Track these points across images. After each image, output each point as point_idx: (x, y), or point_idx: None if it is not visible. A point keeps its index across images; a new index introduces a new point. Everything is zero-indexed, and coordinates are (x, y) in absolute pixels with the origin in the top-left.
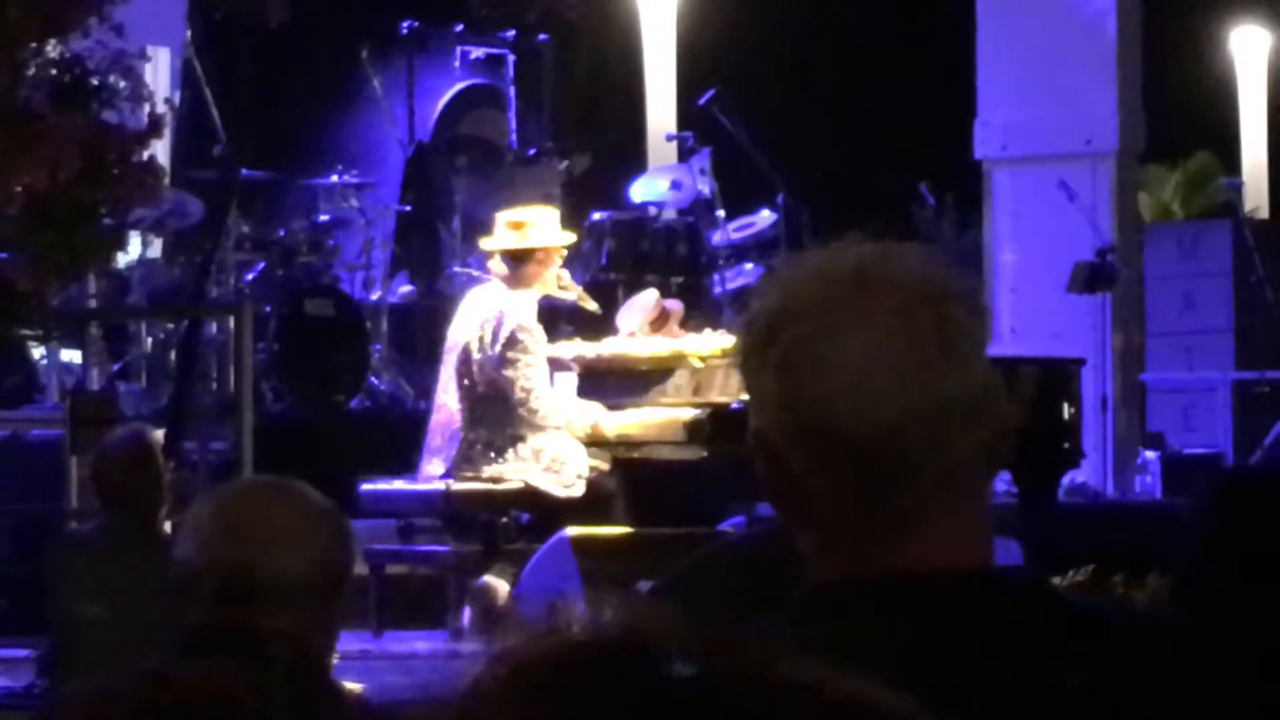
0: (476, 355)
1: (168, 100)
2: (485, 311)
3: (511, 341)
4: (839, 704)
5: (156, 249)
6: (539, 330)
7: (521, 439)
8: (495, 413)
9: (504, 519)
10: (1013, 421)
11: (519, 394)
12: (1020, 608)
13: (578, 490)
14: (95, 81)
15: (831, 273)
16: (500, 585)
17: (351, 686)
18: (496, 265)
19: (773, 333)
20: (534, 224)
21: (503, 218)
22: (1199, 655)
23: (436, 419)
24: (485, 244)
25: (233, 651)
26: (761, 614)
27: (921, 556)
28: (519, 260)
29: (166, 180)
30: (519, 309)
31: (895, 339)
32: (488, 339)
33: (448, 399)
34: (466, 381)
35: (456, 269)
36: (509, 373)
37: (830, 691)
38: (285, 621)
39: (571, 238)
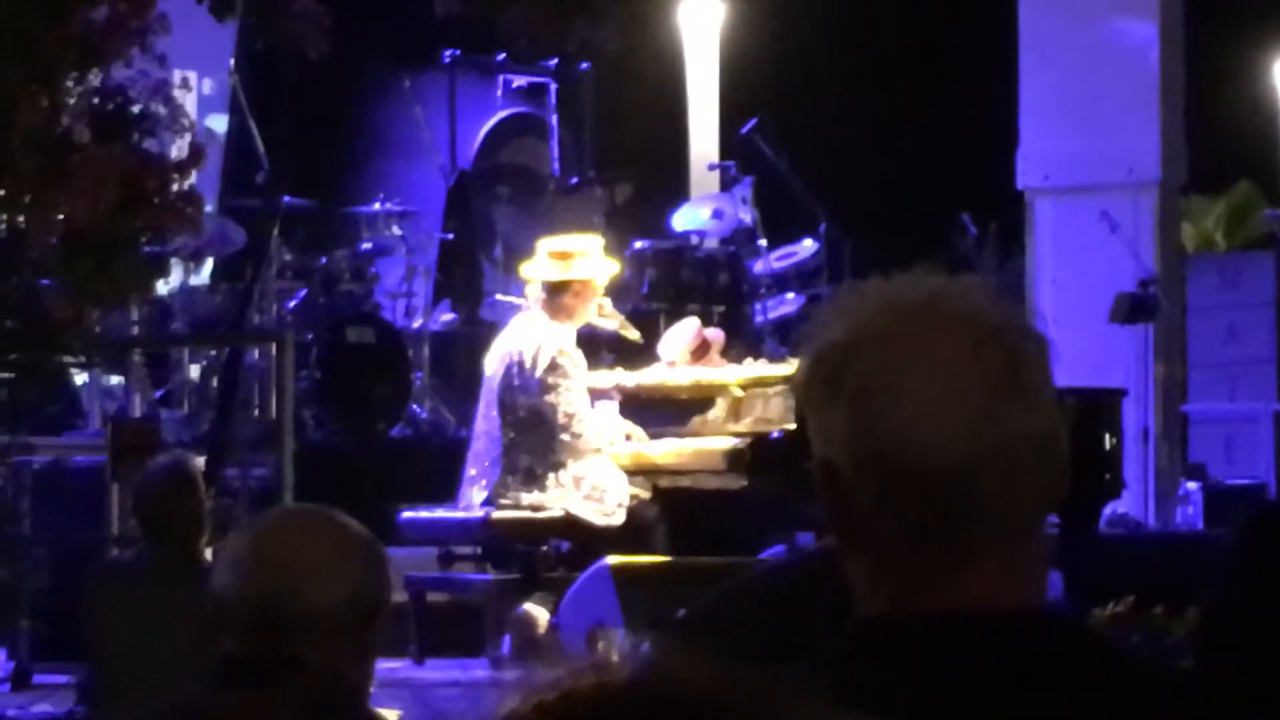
0: (517, 382)
1: (209, 130)
2: (525, 339)
3: (552, 367)
4: None
5: (200, 276)
6: (579, 356)
7: (562, 465)
8: (536, 439)
9: (544, 547)
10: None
11: (561, 419)
12: (1068, 652)
13: (618, 519)
14: (136, 111)
15: (903, 304)
16: (540, 614)
17: (388, 714)
18: (534, 292)
19: (844, 363)
20: (577, 255)
21: (545, 246)
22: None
23: (476, 447)
24: (526, 271)
25: (267, 682)
26: (807, 646)
27: (977, 596)
28: (558, 291)
29: (208, 209)
30: (559, 336)
31: (970, 373)
32: (529, 365)
33: (488, 427)
34: (507, 408)
35: (498, 297)
36: (550, 398)
37: None
38: (320, 652)
39: (613, 269)
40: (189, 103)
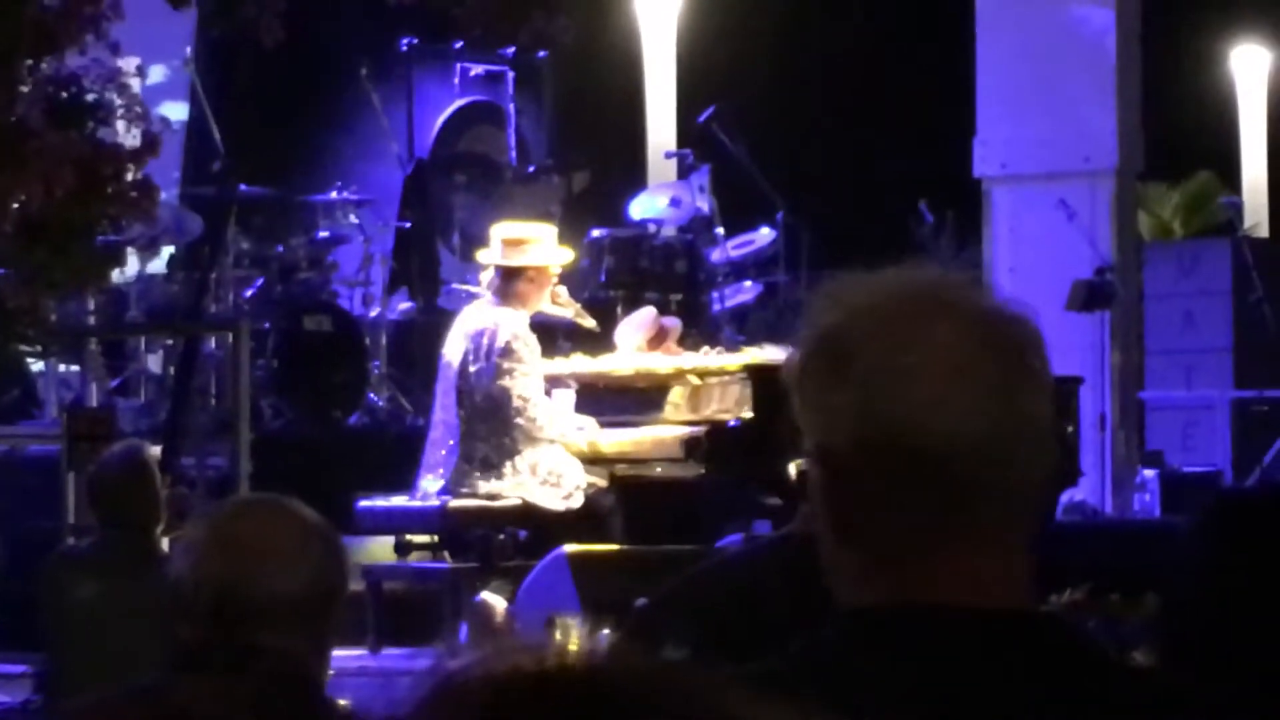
0: (472, 369)
1: (164, 119)
2: (479, 326)
3: (506, 352)
4: None
5: (157, 265)
6: (533, 341)
7: (518, 453)
8: (492, 426)
9: (501, 536)
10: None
11: (516, 402)
12: (1064, 653)
13: (576, 501)
14: (91, 99)
15: (907, 291)
16: (498, 602)
17: (344, 703)
18: (488, 277)
19: (850, 348)
20: (530, 241)
21: (498, 232)
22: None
23: (433, 435)
24: (481, 257)
25: (225, 669)
26: (766, 633)
27: (977, 588)
28: (511, 277)
29: (166, 197)
30: (513, 322)
31: (980, 356)
32: (483, 352)
33: (444, 415)
34: (464, 396)
35: (455, 286)
36: (505, 382)
37: None
38: (278, 639)
39: (567, 257)
40: (156, 90)
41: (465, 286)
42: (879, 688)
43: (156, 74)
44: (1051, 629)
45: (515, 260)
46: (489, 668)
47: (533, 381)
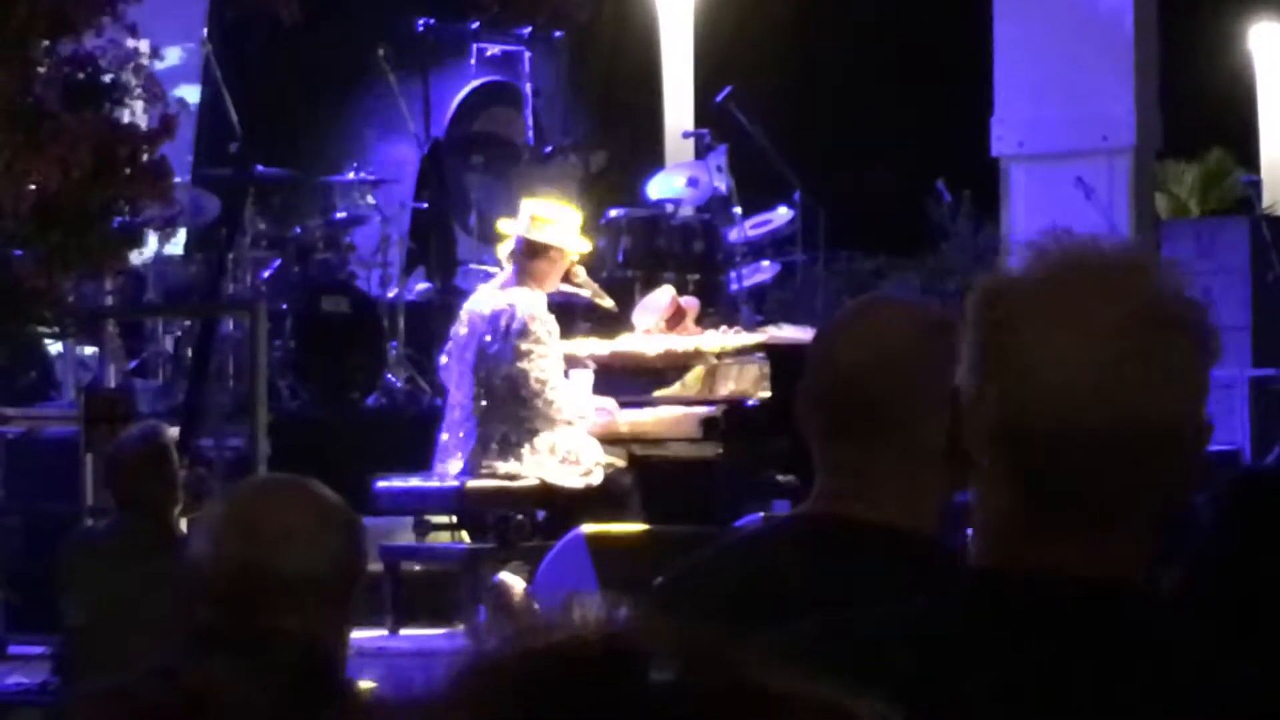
0: (490, 350)
1: (180, 100)
2: (496, 306)
3: (524, 333)
4: (814, 711)
5: (174, 246)
6: (552, 322)
7: (537, 433)
8: (510, 407)
9: (519, 516)
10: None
11: (534, 385)
12: (1170, 627)
13: (596, 479)
14: (107, 80)
15: (1078, 268)
16: (516, 582)
17: (365, 685)
18: (506, 251)
19: (1011, 321)
20: (557, 223)
21: (529, 207)
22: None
23: (451, 416)
24: (504, 226)
25: (244, 650)
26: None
27: (1075, 563)
28: (534, 255)
29: (178, 179)
30: (531, 302)
31: (1116, 351)
32: (500, 333)
33: (461, 396)
34: (481, 377)
35: (473, 266)
36: (523, 364)
37: (805, 700)
38: (296, 620)
39: (587, 247)
40: (174, 71)
41: (482, 266)
42: (966, 649)
43: (172, 55)
44: (1162, 610)
45: (541, 235)
46: (522, 644)
47: (551, 363)
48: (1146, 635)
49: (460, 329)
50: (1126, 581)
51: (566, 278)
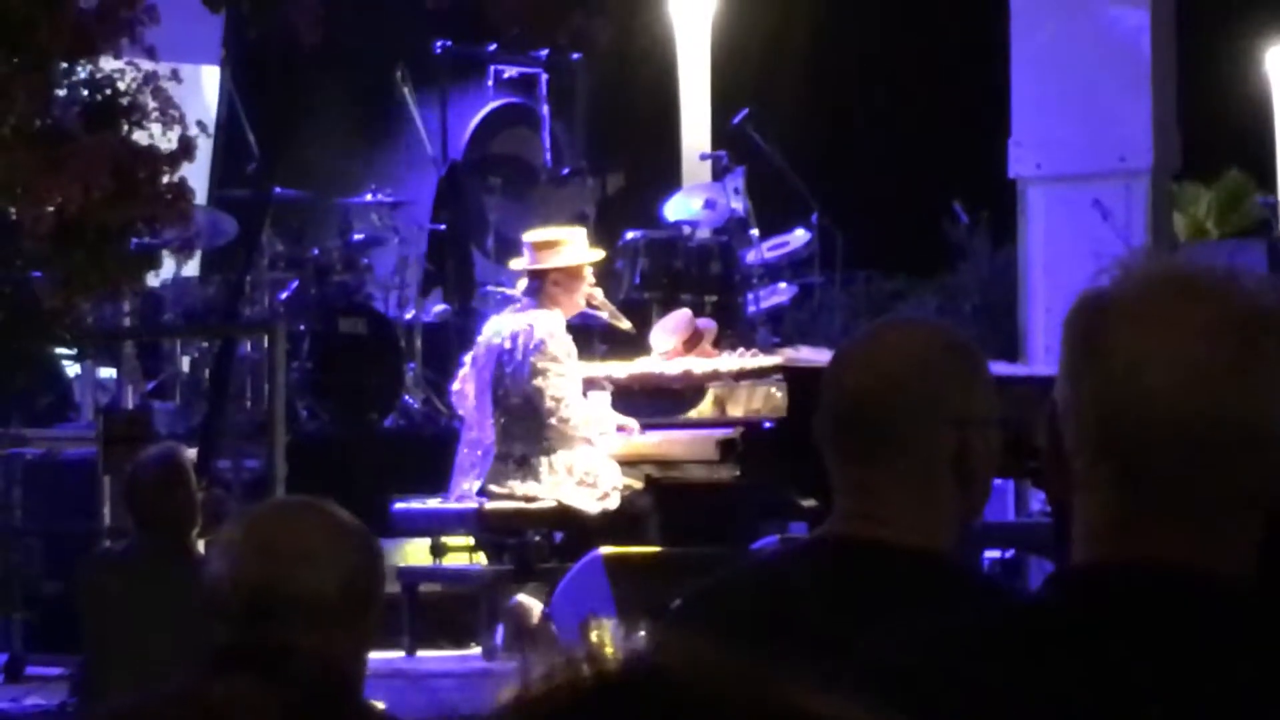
0: (507, 369)
1: (200, 123)
2: (514, 326)
3: (540, 351)
4: None
5: (192, 268)
6: (568, 341)
7: (554, 452)
8: (528, 426)
9: (537, 538)
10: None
11: (549, 403)
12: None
13: (612, 503)
14: (125, 102)
15: (1167, 274)
16: (533, 604)
17: (378, 705)
18: (522, 285)
19: (1100, 333)
20: (557, 244)
21: (527, 239)
22: None
23: (468, 436)
24: (513, 264)
25: (261, 670)
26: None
27: (1171, 556)
28: (539, 280)
29: (197, 200)
30: (547, 322)
31: (1204, 354)
32: (517, 351)
33: (479, 416)
34: (499, 397)
35: (490, 288)
36: (539, 382)
37: None
38: (314, 641)
39: (592, 256)
40: (208, 93)
41: (500, 289)
42: (1070, 644)
43: (191, 76)
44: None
45: (541, 263)
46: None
47: (567, 382)
48: (1243, 627)
49: (478, 352)
50: (1227, 574)
51: (588, 301)
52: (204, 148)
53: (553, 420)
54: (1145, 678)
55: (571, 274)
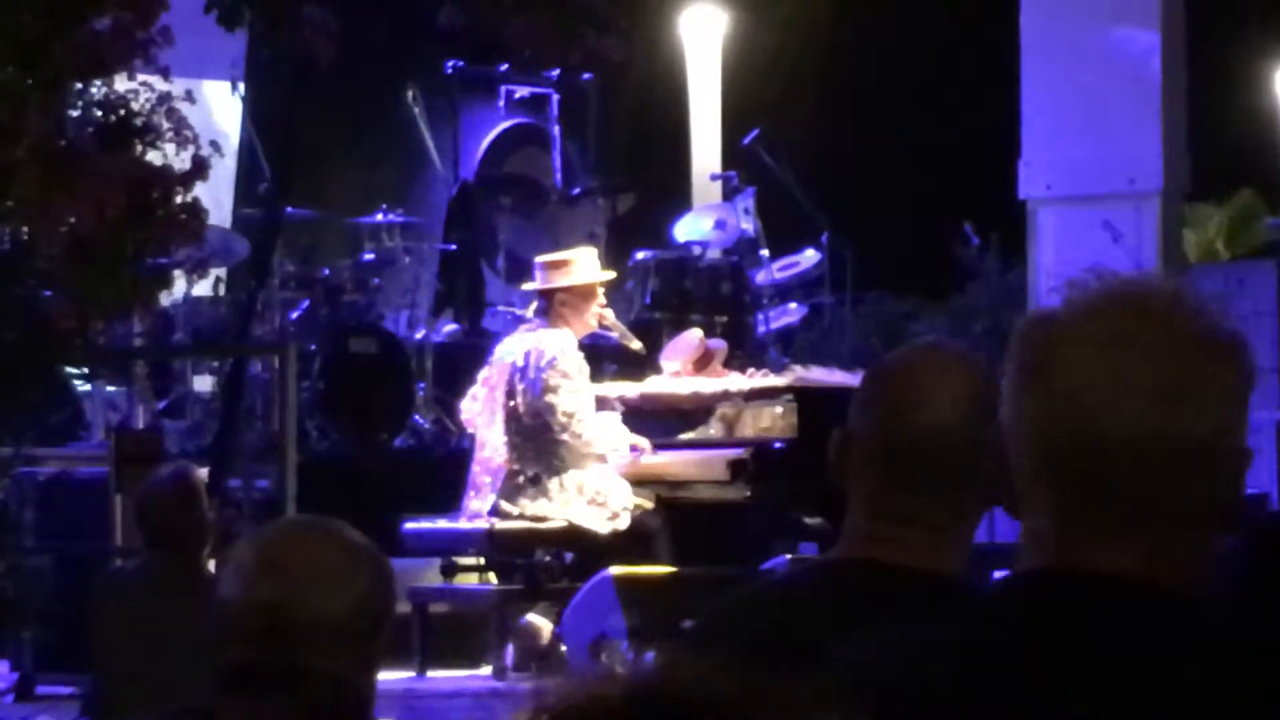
0: (520, 386)
1: (213, 142)
2: (527, 345)
3: (552, 367)
4: None
5: (205, 287)
6: (580, 359)
7: (565, 470)
8: (539, 444)
9: (547, 558)
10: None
11: (561, 418)
12: (1208, 632)
13: (622, 523)
14: (139, 123)
15: (1108, 300)
16: (544, 624)
17: None
18: (534, 307)
19: (1047, 353)
20: (565, 264)
21: (538, 260)
22: None
23: (480, 455)
24: (525, 286)
25: (272, 691)
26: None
27: (1109, 566)
28: (548, 299)
29: (222, 220)
30: (558, 339)
31: (1143, 373)
32: (530, 368)
33: (490, 435)
34: (511, 415)
35: (501, 308)
36: (550, 398)
37: None
38: (324, 661)
39: (601, 275)
40: (214, 111)
41: (510, 309)
42: (1014, 645)
43: (212, 93)
44: (1184, 608)
45: (551, 283)
46: (570, 700)
47: (579, 399)
48: (1181, 634)
49: (490, 372)
50: (1169, 585)
51: (600, 321)
52: (228, 167)
53: (565, 436)
54: (1079, 684)
55: (582, 294)
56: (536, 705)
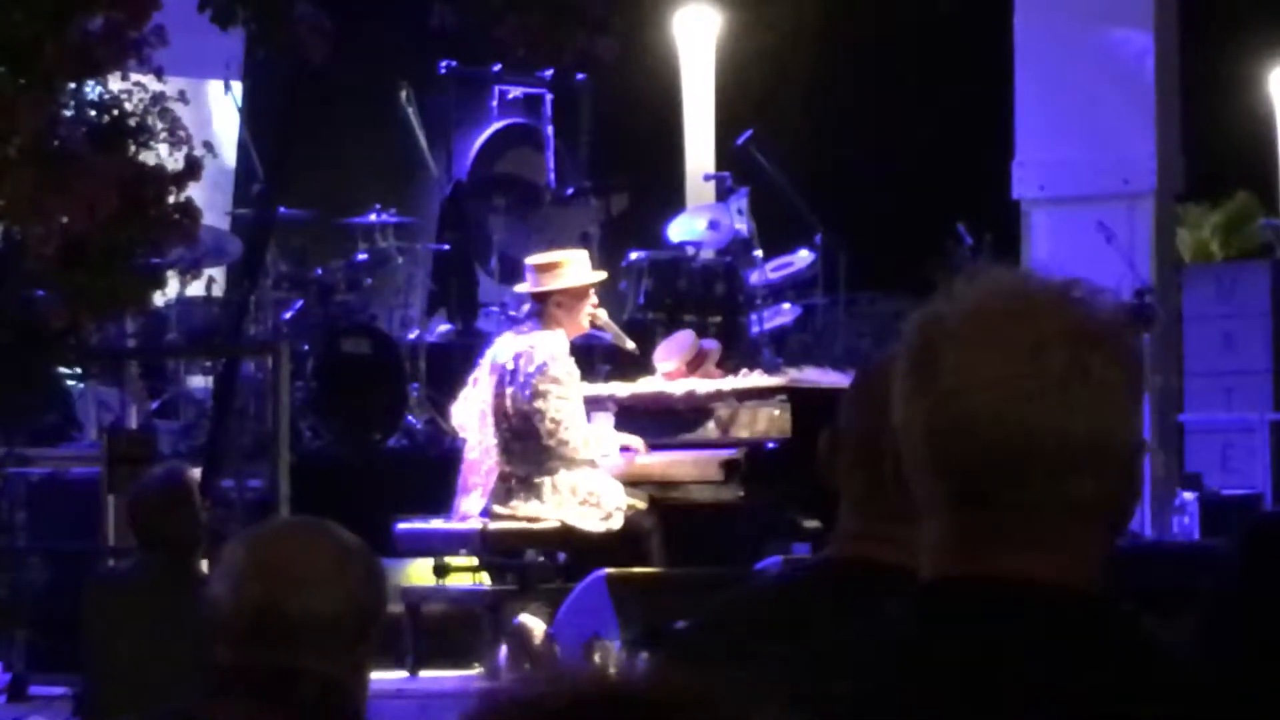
0: (510, 389)
1: (206, 143)
2: (517, 347)
3: (542, 373)
4: None
5: (196, 287)
6: (570, 364)
7: (556, 472)
8: (529, 447)
9: (540, 558)
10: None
11: (548, 425)
12: (1106, 632)
13: (616, 523)
14: (133, 123)
15: (992, 297)
16: (536, 625)
17: None
18: (526, 309)
19: (930, 351)
20: (558, 266)
21: (529, 262)
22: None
23: (471, 457)
24: (517, 289)
25: (263, 691)
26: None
27: (1005, 568)
28: (541, 302)
29: (220, 220)
30: (550, 343)
31: (1025, 370)
32: (520, 374)
33: (482, 437)
34: (501, 417)
35: (494, 309)
36: (539, 404)
37: None
38: (316, 661)
39: (593, 277)
40: (207, 110)
41: (503, 309)
42: (918, 655)
43: (203, 95)
44: (1081, 610)
45: (543, 286)
46: (529, 693)
47: (568, 405)
48: (1076, 636)
49: (481, 373)
50: (1068, 585)
51: (592, 321)
52: (222, 167)
53: (551, 442)
54: (980, 693)
55: (574, 295)
56: (484, 706)
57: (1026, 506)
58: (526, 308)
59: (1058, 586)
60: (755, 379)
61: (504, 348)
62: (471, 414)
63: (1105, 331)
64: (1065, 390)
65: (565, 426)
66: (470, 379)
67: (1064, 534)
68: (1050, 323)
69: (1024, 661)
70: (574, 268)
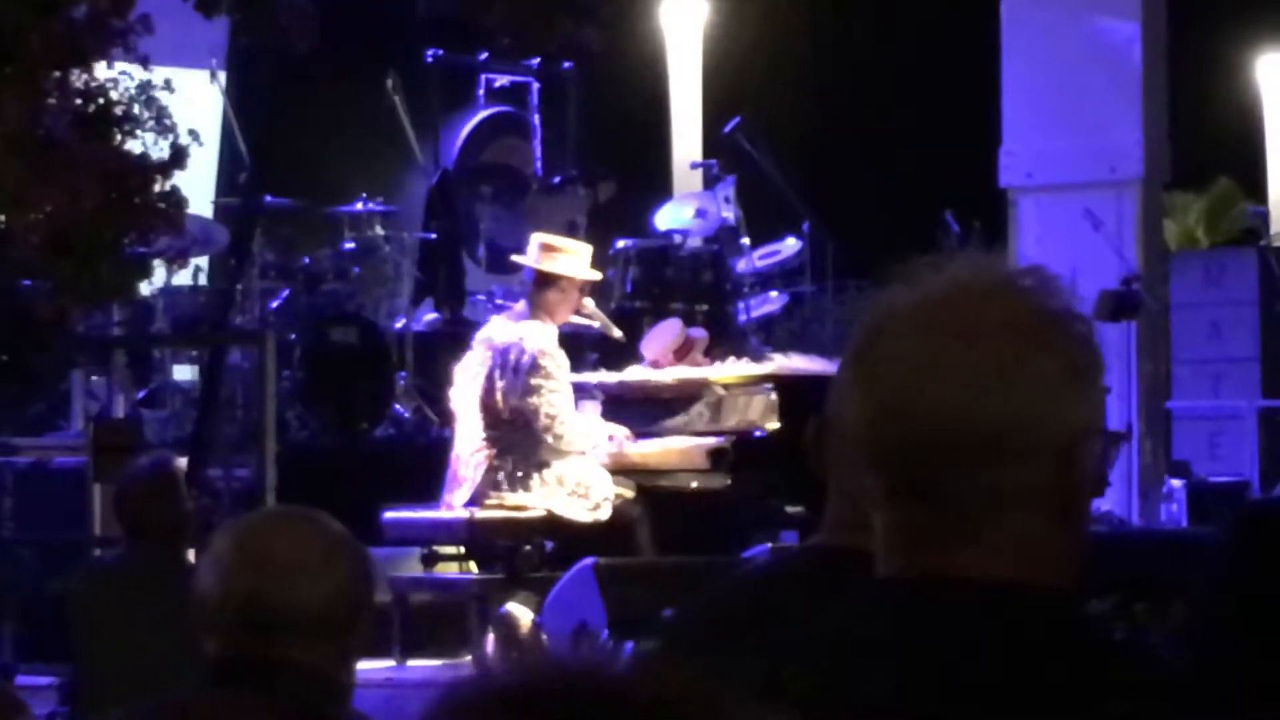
0: (500, 382)
1: (192, 131)
2: (507, 339)
3: (534, 368)
4: None
5: (183, 276)
6: (561, 356)
7: (546, 465)
8: (519, 439)
9: (527, 547)
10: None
11: (543, 420)
12: (1063, 628)
13: (604, 514)
14: (119, 112)
15: (931, 291)
16: (524, 614)
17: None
18: (521, 284)
19: (870, 340)
20: (567, 253)
21: (538, 238)
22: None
23: (459, 448)
24: (516, 258)
25: (251, 682)
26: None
27: (957, 565)
28: (544, 285)
29: (202, 209)
30: (541, 335)
31: (961, 362)
32: (510, 367)
33: (470, 428)
34: (490, 409)
35: (481, 297)
36: (533, 399)
37: None
38: (304, 652)
39: (597, 276)
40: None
41: (490, 297)
42: (872, 653)
43: (192, 81)
44: (1038, 606)
45: (550, 265)
46: (507, 681)
47: (560, 398)
48: (1029, 633)
49: (471, 360)
50: (1011, 580)
51: (576, 310)
52: (209, 156)
53: (548, 437)
54: (919, 691)
55: (574, 284)
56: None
57: (958, 497)
58: (522, 282)
59: (997, 583)
60: (743, 367)
61: (491, 334)
62: (463, 403)
63: (1045, 321)
64: (999, 379)
65: (561, 420)
66: (458, 367)
67: (999, 527)
68: (989, 312)
69: (960, 661)
70: (579, 260)
